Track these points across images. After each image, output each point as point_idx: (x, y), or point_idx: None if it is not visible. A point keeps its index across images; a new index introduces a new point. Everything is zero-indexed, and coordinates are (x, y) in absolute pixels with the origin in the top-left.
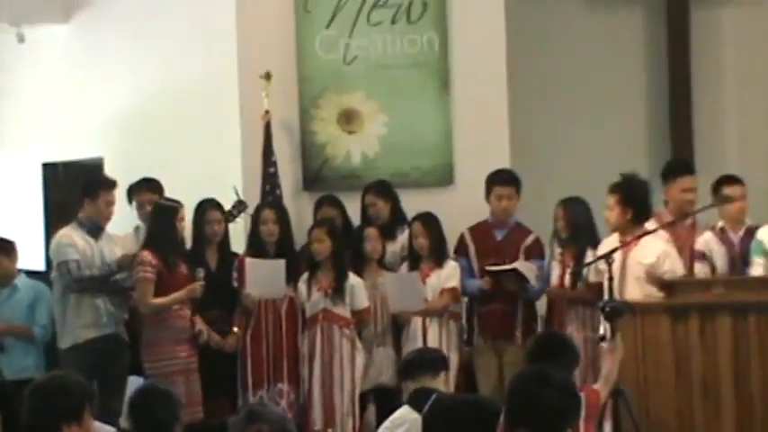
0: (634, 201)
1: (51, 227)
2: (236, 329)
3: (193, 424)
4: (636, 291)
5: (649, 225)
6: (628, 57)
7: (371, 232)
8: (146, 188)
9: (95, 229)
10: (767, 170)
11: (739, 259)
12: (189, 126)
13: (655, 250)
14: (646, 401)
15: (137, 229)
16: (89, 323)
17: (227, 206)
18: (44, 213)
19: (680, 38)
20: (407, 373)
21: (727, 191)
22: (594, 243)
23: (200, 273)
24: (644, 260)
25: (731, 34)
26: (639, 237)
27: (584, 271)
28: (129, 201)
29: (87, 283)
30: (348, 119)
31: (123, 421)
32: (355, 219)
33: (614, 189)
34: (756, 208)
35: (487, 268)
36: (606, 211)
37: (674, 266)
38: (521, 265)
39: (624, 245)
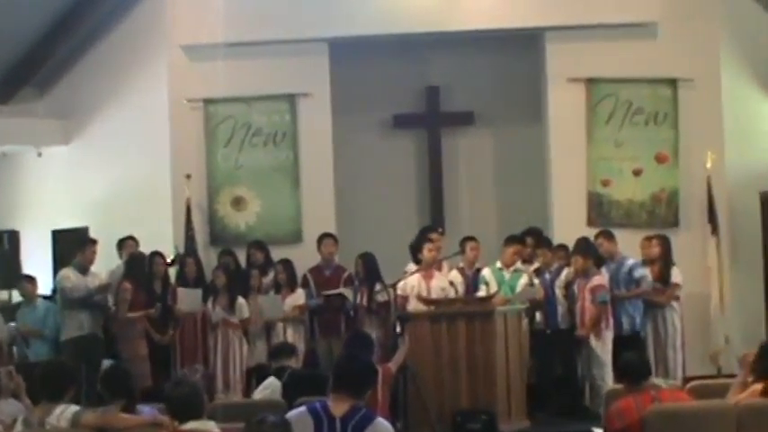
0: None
1: (57, 268)
2: (171, 332)
3: (144, 388)
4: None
5: (413, 267)
6: (406, 163)
7: (255, 274)
8: (129, 240)
9: (83, 270)
10: (487, 236)
11: (471, 286)
12: (140, 206)
13: (445, 280)
14: (415, 372)
15: (118, 266)
16: (76, 326)
17: (166, 253)
18: (52, 260)
19: (435, 154)
20: (274, 356)
21: (467, 245)
22: (380, 279)
23: (158, 306)
24: (441, 285)
25: (465, 152)
26: (417, 271)
27: (378, 297)
28: (119, 248)
29: (75, 301)
30: (237, 202)
31: (99, 387)
32: (242, 262)
33: (427, 241)
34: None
35: (324, 293)
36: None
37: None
38: (343, 290)
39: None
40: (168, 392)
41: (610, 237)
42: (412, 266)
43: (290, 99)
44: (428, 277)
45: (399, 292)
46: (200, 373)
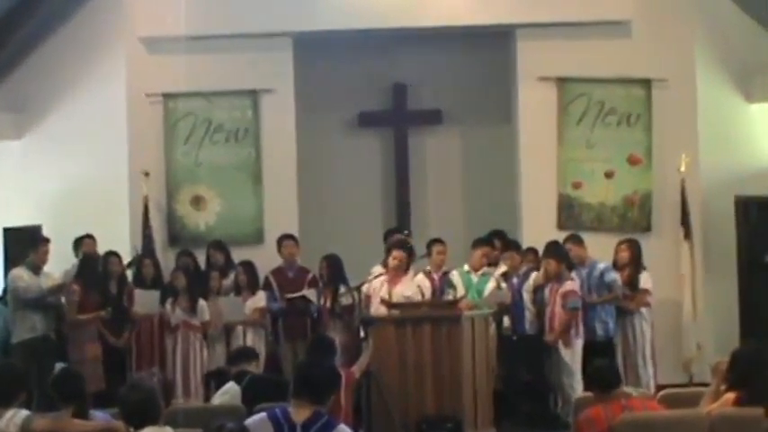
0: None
1: (8, 267)
2: (126, 334)
3: (98, 392)
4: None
5: (379, 269)
6: (371, 162)
7: (215, 275)
8: (86, 239)
9: (36, 269)
10: (455, 238)
11: (438, 290)
12: (96, 204)
13: (412, 286)
14: (379, 377)
15: (73, 266)
16: (28, 328)
17: (123, 252)
18: (3, 259)
19: (401, 153)
20: (233, 360)
21: (434, 248)
22: (344, 282)
23: (109, 310)
24: (405, 292)
25: (432, 152)
26: (379, 276)
27: (342, 300)
28: (75, 247)
29: (28, 302)
30: (197, 201)
31: (50, 391)
32: (201, 264)
33: (402, 245)
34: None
35: (287, 296)
36: (397, 259)
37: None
38: (307, 292)
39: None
40: (123, 397)
41: (578, 241)
42: (377, 269)
43: (253, 95)
44: (393, 282)
45: (364, 291)
46: (157, 376)
